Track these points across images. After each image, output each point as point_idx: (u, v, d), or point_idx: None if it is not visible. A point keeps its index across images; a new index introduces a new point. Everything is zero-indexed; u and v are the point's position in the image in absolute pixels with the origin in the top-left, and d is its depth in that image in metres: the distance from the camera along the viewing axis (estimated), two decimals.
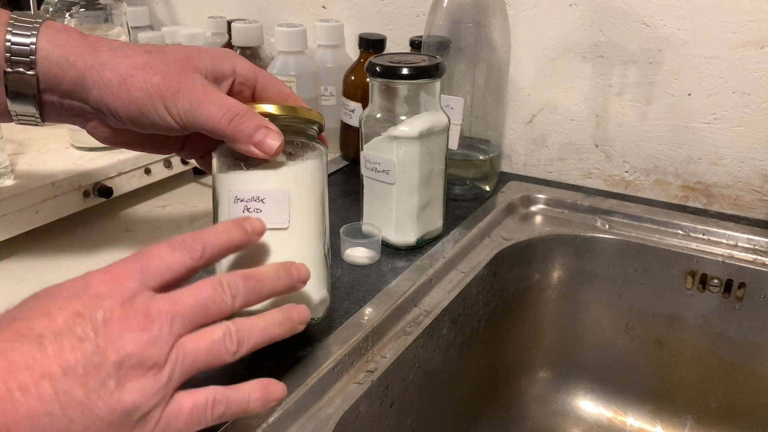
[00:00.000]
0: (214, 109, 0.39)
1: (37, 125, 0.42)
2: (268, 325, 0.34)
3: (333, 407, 0.40)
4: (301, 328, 0.36)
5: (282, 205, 0.39)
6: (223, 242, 0.34)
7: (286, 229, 0.39)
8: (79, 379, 0.27)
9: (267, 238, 0.39)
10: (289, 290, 0.36)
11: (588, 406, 0.67)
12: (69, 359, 0.27)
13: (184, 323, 0.30)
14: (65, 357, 0.27)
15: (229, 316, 0.33)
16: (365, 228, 0.57)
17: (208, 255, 0.33)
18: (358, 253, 0.54)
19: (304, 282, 0.36)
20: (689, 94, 0.65)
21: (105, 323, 0.29)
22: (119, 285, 0.30)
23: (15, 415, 0.26)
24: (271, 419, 0.37)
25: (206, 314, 0.31)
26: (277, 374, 0.41)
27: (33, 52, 0.39)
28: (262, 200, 0.39)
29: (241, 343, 0.32)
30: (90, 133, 0.44)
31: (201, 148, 0.47)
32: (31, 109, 0.41)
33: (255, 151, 0.39)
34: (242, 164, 0.40)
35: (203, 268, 0.34)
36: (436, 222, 0.58)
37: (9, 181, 0.56)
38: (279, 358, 0.42)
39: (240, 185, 0.39)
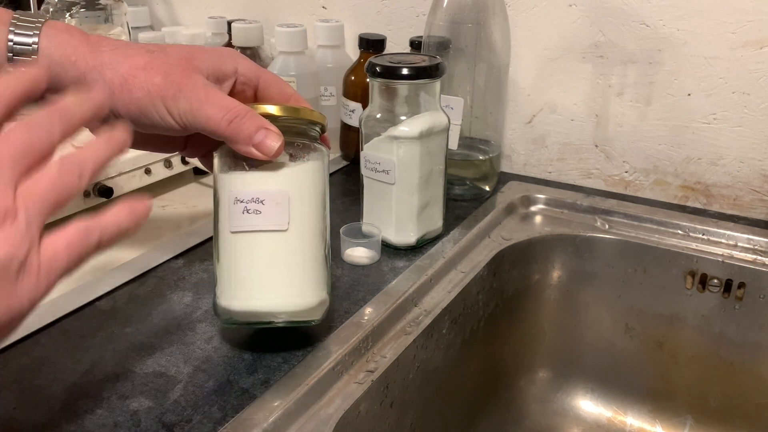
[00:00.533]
0: (214, 110, 0.39)
1: None
2: (95, 148, 0.33)
3: (333, 407, 0.40)
4: (126, 145, 0.34)
5: (282, 207, 0.39)
6: (19, 88, 0.32)
7: (286, 230, 0.39)
8: None
9: (267, 239, 0.39)
10: (99, 106, 0.34)
11: (588, 405, 0.67)
12: None
13: (13, 167, 0.29)
14: None
15: None
16: (365, 228, 0.57)
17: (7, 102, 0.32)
18: (358, 253, 0.54)
19: (98, 102, 0.35)
20: (689, 94, 0.65)
21: None
22: None
23: None
24: (271, 419, 0.37)
25: (32, 152, 0.31)
26: (278, 374, 0.41)
27: (35, 52, 0.39)
28: (261, 202, 0.39)
29: (81, 168, 0.32)
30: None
31: (203, 147, 0.47)
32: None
33: (255, 153, 0.39)
34: (243, 164, 0.40)
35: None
36: (436, 222, 0.58)
37: None
38: (279, 358, 0.42)
39: (240, 186, 0.39)
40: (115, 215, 0.32)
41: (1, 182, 0.29)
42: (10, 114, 0.32)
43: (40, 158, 0.31)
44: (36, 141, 0.31)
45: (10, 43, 0.38)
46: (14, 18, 0.39)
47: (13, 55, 0.38)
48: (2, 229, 0.28)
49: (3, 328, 0.28)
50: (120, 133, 0.34)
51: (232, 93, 0.43)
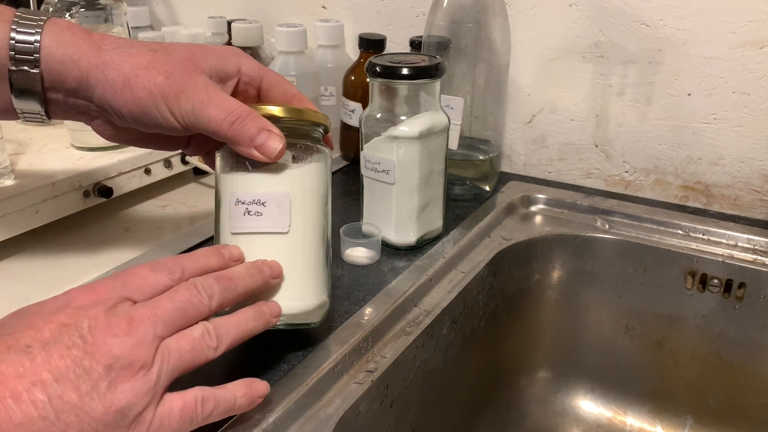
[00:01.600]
0: (216, 111, 0.39)
1: (42, 123, 0.42)
2: (241, 320, 0.36)
3: (333, 407, 0.40)
4: (275, 321, 0.38)
5: (283, 209, 0.39)
6: (201, 265, 0.36)
7: (287, 233, 0.39)
8: (71, 384, 0.28)
9: (267, 241, 0.39)
10: (264, 286, 0.38)
11: (588, 406, 0.67)
12: (59, 365, 0.28)
13: (165, 326, 0.32)
14: (55, 364, 0.28)
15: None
16: (365, 228, 0.57)
17: (186, 276, 0.35)
18: (358, 253, 0.54)
19: (277, 277, 0.38)
20: (689, 94, 0.65)
21: (91, 330, 0.30)
22: (101, 297, 0.32)
23: (9, 423, 0.27)
24: (271, 419, 0.37)
25: (185, 316, 0.33)
26: (278, 374, 0.41)
27: (37, 50, 0.38)
28: (263, 203, 0.39)
29: (220, 339, 0.34)
30: (95, 130, 0.44)
31: (206, 146, 0.47)
32: (36, 107, 0.41)
33: (256, 155, 0.39)
34: (245, 165, 0.40)
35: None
36: (436, 222, 0.58)
37: (9, 181, 0.56)
38: (279, 358, 0.42)
39: (241, 187, 0.39)
40: (232, 391, 0.34)
41: (150, 336, 0.31)
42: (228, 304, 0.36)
43: (192, 321, 0.34)
44: (195, 305, 0.34)
45: (12, 41, 0.38)
46: (16, 16, 0.39)
47: (16, 54, 0.38)
48: (135, 378, 0.30)
49: None
50: (272, 306, 0.38)
51: (235, 92, 0.43)
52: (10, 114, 0.41)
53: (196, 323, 0.34)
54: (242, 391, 0.35)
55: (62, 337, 0.29)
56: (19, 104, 0.40)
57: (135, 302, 0.33)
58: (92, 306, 0.31)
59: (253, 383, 0.35)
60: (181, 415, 0.31)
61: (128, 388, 0.29)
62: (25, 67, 0.39)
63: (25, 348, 0.28)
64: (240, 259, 0.38)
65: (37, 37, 0.38)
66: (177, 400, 0.32)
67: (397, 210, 0.55)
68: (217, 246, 0.38)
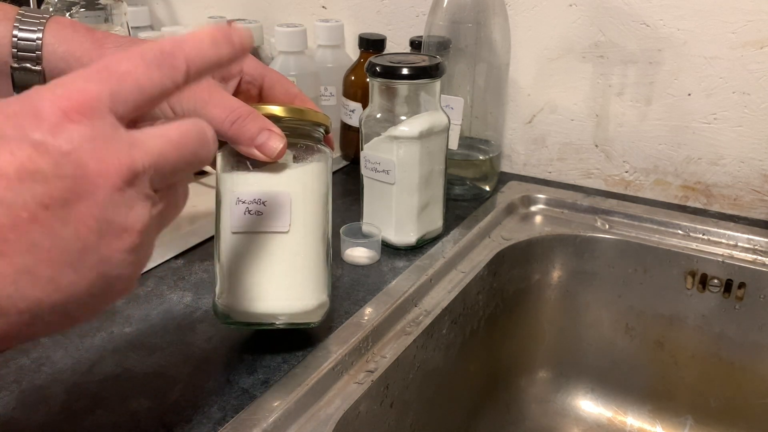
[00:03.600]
0: (218, 110, 0.39)
1: None
2: (196, 40, 0.27)
3: (333, 407, 0.40)
4: (244, 46, 0.29)
5: (283, 209, 0.39)
6: (210, 58, 0.28)
7: (287, 232, 0.39)
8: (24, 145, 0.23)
9: (267, 241, 0.39)
10: (235, 52, 0.29)
11: (588, 406, 0.67)
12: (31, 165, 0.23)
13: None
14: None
15: None
16: (365, 228, 0.57)
17: (192, 76, 0.27)
18: (358, 253, 0.54)
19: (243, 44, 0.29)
20: (689, 94, 0.65)
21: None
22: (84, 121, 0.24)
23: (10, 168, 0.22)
24: (271, 419, 0.37)
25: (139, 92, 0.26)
26: (278, 374, 0.41)
27: (39, 48, 0.39)
28: (263, 203, 0.39)
29: (173, 57, 0.26)
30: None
31: None
32: None
33: (257, 154, 0.39)
34: (246, 164, 0.40)
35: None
36: (436, 222, 0.58)
37: None
38: (279, 358, 0.42)
39: (242, 187, 0.39)
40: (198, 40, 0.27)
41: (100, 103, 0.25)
42: (195, 82, 0.28)
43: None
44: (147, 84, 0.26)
45: (15, 39, 0.38)
46: (19, 14, 0.39)
47: (18, 51, 0.39)
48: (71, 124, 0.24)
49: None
50: (242, 31, 0.28)
51: (237, 92, 0.43)
52: None
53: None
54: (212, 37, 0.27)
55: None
56: None
57: (125, 122, 0.26)
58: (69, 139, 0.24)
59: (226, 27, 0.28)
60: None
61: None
62: (28, 65, 0.39)
63: None
64: (249, 47, 0.29)
65: (39, 35, 0.39)
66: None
67: (397, 210, 0.55)
68: (226, 28, 0.28)
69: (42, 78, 0.39)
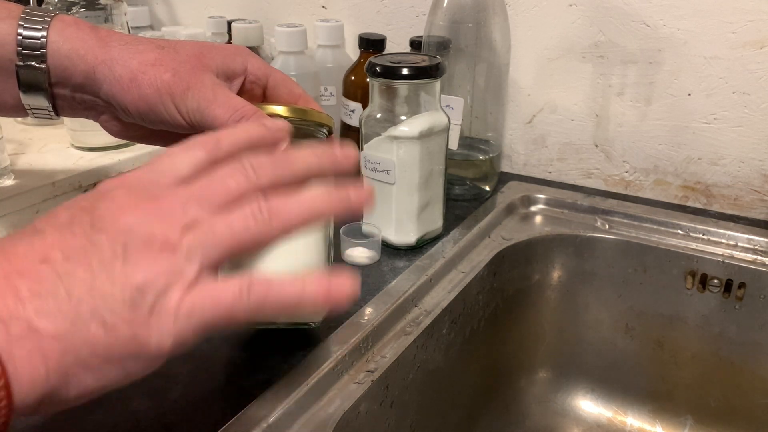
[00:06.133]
0: (222, 110, 0.39)
1: (51, 119, 0.43)
2: (311, 197, 0.30)
3: (333, 407, 0.40)
4: (356, 203, 0.31)
5: None
6: (240, 138, 0.31)
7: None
8: (81, 261, 0.26)
9: None
10: (332, 168, 0.33)
11: (588, 406, 0.67)
12: (70, 244, 0.26)
13: (199, 202, 0.28)
14: (66, 243, 0.26)
15: None
16: (365, 228, 0.57)
17: (225, 149, 0.30)
18: (358, 253, 0.54)
19: (351, 161, 0.32)
20: (689, 94, 0.65)
21: (108, 209, 0.27)
22: (125, 182, 0.28)
23: (17, 299, 0.25)
24: (271, 419, 0.37)
25: (226, 192, 0.28)
26: (278, 374, 0.41)
27: (44, 46, 0.39)
28: None
29: (275, 214, 0.28)
30: (103, 126, 0.44)
31: None
32: (44, 103, 0.41)
33: None
34: None
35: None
36: (436, 222, 0.58)
37: (9, 181, 0.56)
38: (279, 358, 0.42)
39: None
40: (298, 279, 0.29)
41: (175, 213, 0.27)
42: (230, 155, 0.30)
43: (238, 198, 0.29)
44: (237, 182, 0.29)
45: (20, 38, 0.39)
46: (24, 12, 0.39)
47: (23, 49, 0.39)
48: (154, 256, 0.26)
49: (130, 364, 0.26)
50: (358, 191, 0.31)
51: (241, 91, 0.43)
52: (20, 110, 0.42)
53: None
54: (314, 281, 0.29)
55: (78, 219, 0.27)
56: (26, 100, 0.41)
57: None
58: (115, 189, 0.28)
59: (333, 277, 0.29)
60: (215, 300, 0.27)
61: (145, 265, 0.26)
62: (32, 63, 0.39)
63: (38, 231, 0.27)
64: (283, 128, 0.33)
65: (44, 33, 0.39)
66: (213, 284, 0.27)
67: (397, 210, 0.55)
68: (258, 117, 0.33)
69: (47, 75, 0.39)
